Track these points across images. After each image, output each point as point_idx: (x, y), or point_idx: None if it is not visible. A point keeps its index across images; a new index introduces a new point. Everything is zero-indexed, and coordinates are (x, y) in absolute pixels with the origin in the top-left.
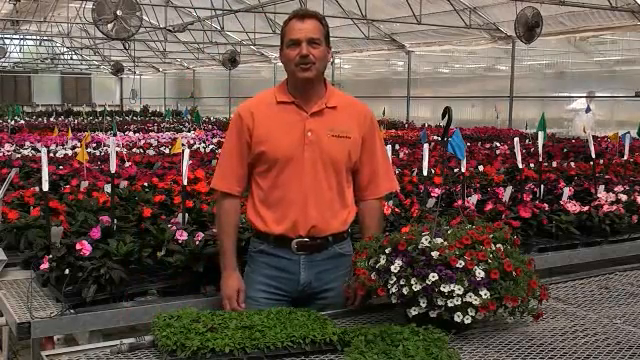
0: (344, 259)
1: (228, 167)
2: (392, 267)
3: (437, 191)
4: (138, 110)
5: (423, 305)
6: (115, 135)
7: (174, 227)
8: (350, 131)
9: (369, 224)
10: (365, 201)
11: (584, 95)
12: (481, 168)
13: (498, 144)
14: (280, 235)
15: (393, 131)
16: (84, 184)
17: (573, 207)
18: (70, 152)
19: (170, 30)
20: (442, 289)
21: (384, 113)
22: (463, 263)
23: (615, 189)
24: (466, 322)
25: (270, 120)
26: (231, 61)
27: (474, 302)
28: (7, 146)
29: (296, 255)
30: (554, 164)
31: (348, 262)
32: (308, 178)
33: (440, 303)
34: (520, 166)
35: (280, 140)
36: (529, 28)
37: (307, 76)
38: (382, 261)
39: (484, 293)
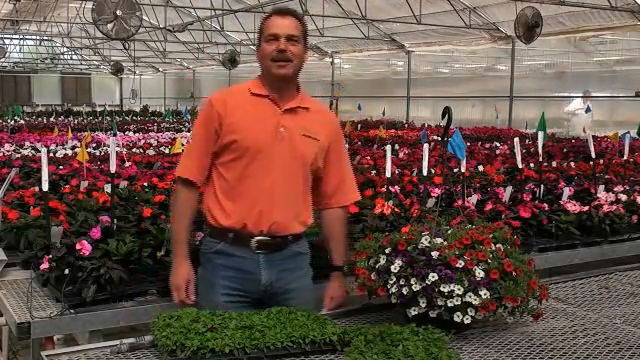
0: (302, 257)
1: (192, 155)
2: (392, 267)
3: (437, 191)
4: (138, 110)
5: (423, 305)
6: (115, 135)
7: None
8: (319, 134)
9: (338, 231)
10: (331, 209)
11: (583, 95)
12: (481, 168)
13: (498, 144)
14: (240, 230)
15: (393, 131)
16: (84, 184)
17: (573, 207)
18: (70, 152)
19: (170, 30)
20: (442, 289)
21: (384, 113)
22: (463, 263)
23: (615, 189)
24: (466, 322)
25: (244, 110)
26: (231, 61)
27: (474, 302)
28: (7, 146)
29: (255, 254)
30: (554, 164)
31: (306, 261)
32: (276, 173)
33: (440, 303)
34: (520, 166)
35: (252, 130)
36: (529, 28)
37: (283, 73)
38: (382, 261)
39: (484, 293)
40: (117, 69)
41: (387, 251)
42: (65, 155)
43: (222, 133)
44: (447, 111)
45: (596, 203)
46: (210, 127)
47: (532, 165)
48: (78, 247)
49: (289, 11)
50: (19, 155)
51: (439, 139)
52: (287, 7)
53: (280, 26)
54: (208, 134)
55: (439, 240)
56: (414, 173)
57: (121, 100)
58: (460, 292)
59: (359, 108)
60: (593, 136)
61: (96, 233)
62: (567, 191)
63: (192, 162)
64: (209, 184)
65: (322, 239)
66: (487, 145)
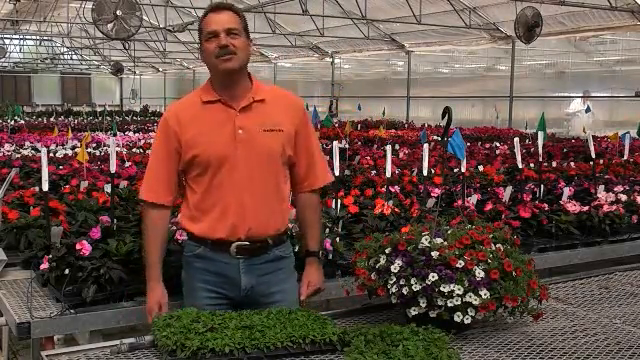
0: (285, 261)
1: (156, 176)
2: (392, 267)
3: (437, 191)
4: (138, 110)
5: (423, 305)
6: (115, 135)
7: (174, 227)
8: (282, 124)
9: (311, 217)
10: (303, 194)
11: (583, 95)
12: (481, 168)
13: (498, 144)
14: (218, 240)
15: (393, 131)
16: (84, 184)
17: (573, 207)
18: (70, 152)
19: (170, 30)
20: (442, 289)
21: (384, 113)
22: (463, 263)
23: (615, 189)
24: (466, 322)
25: (198, 122)
26: None
27: (474, 302)
28: (7, 146)
29: (235, 259)
30: (554, 164)
31: (289, 264)
32: (243, 178)
33: (440, 303)
34: (520, 166)
35: (211, 142)
36: (529, 28)
37: (230, 66)
38: (382, 261)
39: (484, 293)
40: (117, 69)
41: (387, 251)
42: (65, 155)
43: (183, 150)
44: (447, 111)
45: (596, 203)
46: (170, 146)
47: (532, 165)
48: (78, 247)
49: (224, 5)
50: (19, 155)
51: (439, 139)
52: (222, 2)
53: (218, 22)
54: (169, 154)
55: (439, 240)
56: (414, 173)
57: (121, 100)
58: (460, 292)
59: (359, 108)
60: (593, 136)
61: (96, 233)
62: (567, 191)
63: (157, 184)
64: (184, 199)
65: (297, 226)
66: (487, 145)
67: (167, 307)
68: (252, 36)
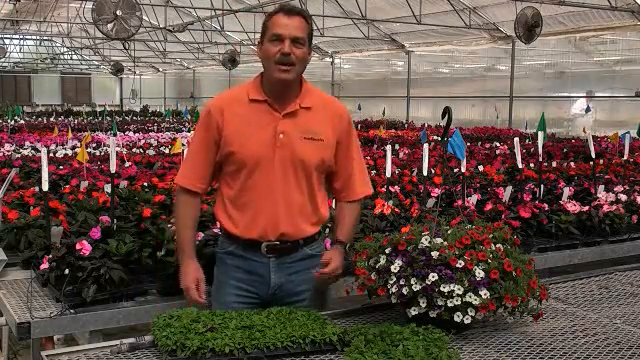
0: (316, 259)
1: (192, 164)
2: (392, 267)
3: (437, 191)
4: (138, 110)
5: (423, 305)
6: (115, 135)
7: (174, 227)
8: (324, 133)
9: (345, 219)
10: (341, 202)
11: (584, 95)
12: (481, 168)
13: (498, 144)
14: (250, 239)
15: (393, 131)
16: (84, 184)
17: (573, 207)
18: (70, 152)
19: (170, 30)
20: (442, 289)
21: (384, 113)
22: (463, 263)
23: (615, 189)
24: (466, 322)
25: (241, 119)
26: (231, 61)
27: (474, 302)
28: (7, 146)
29: (266, 258)
30: (554, 164)
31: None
32: (279, 182)
33: (440, 303)
34: (520, 166)
35: (250, 141)
36: (529, 28)
37: (285, 77)
38: (382, 261)
39: (484, 293)
40: (117, 69)
41: (387, 251)
42: (65, 155)
43: (221, 144)
44: (447, 111)
45: (596, 203)
46: (210, 137)
47: (532, 165)
48: (78, 247)
49: (296, 10)
50: (19, 155)
51: (439, 139)
52: (294, 6)
53: (286, 26)
54: (208, 144)
55: (439, 240)
56: (414, 173)
57: (121, 100)
58: (460, 292)
59: (359, 108)
60: (593, 136)
61: (96, 233)
62: (567, 191)
63: (192, 171)
64: (219, 192)
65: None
66: (487, 145)
67: (204, 284)
68: (251, 36)
